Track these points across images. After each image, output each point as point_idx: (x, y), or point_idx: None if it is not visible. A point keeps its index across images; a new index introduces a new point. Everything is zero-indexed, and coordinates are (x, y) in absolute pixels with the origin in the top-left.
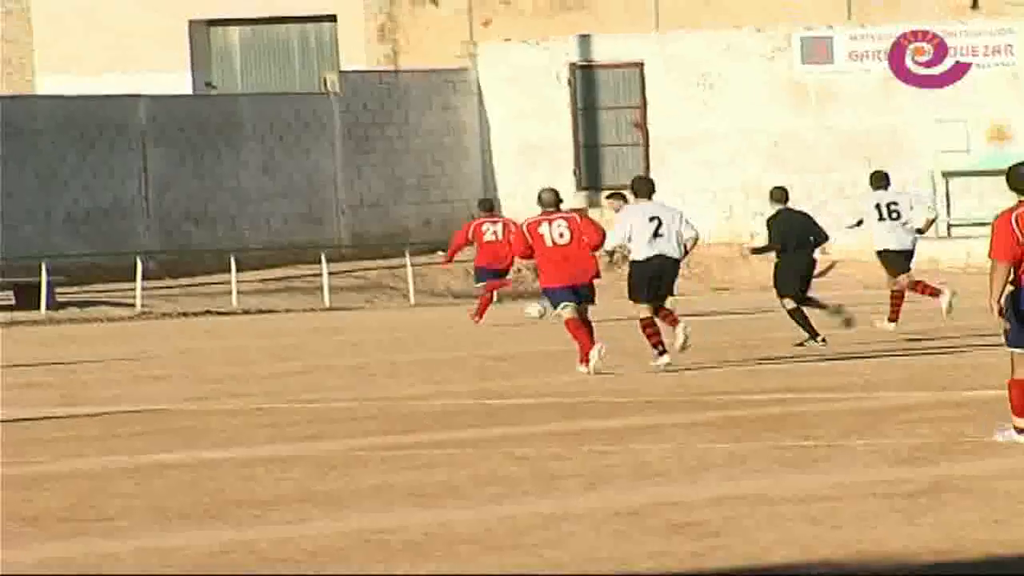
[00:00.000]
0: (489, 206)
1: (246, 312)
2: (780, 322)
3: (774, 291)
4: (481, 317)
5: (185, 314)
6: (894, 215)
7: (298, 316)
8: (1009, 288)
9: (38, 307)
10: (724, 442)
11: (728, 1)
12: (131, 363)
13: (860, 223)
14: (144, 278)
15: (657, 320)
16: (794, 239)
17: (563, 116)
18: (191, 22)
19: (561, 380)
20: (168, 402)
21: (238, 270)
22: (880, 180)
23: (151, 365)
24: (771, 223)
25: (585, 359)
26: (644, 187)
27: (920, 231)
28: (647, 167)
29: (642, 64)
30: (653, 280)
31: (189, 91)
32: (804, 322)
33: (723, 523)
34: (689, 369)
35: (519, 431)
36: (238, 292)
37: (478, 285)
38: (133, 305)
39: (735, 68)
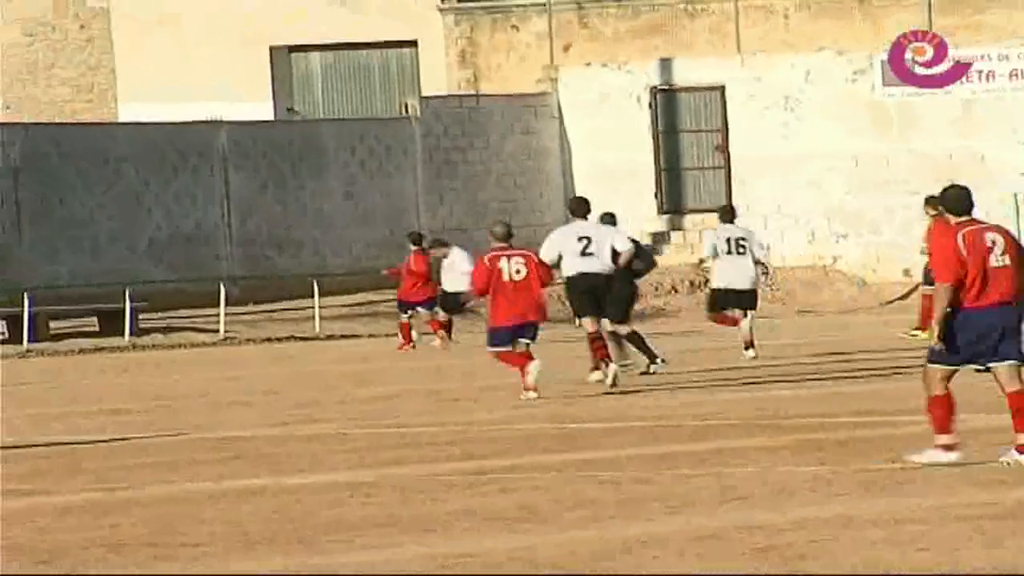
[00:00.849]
0: (419, 238)
1: (329, 337)
2: (862, 346)
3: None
4: (410, 341)
5: (268, 339)
6: (740, 250)
7: (381, 341)
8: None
9: (122, 333)
10: (808, 465)
11: (809, 24)
12: (215, 389)
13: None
14: (227, 304)
15: (591, 347)
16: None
17: (644, 140)
18: (272, 49)
19: (642, 403)
20: (252, 428)
21: (321, 295)
22: (729, 214)
23: (235, 391)
24: None
25: (524, 376)
26: (580, 207)
27: (760, 263)
28: (729, 190)
29: (723, 87)
30: (589, 295)
31: (271, 117)
32: (642, 346)
33: (807, 547)
34: (762, 385)
35: (601, 455)
36: (321, 317)
37: (406, 317)
38: (216, 331)
39: (816, 91)
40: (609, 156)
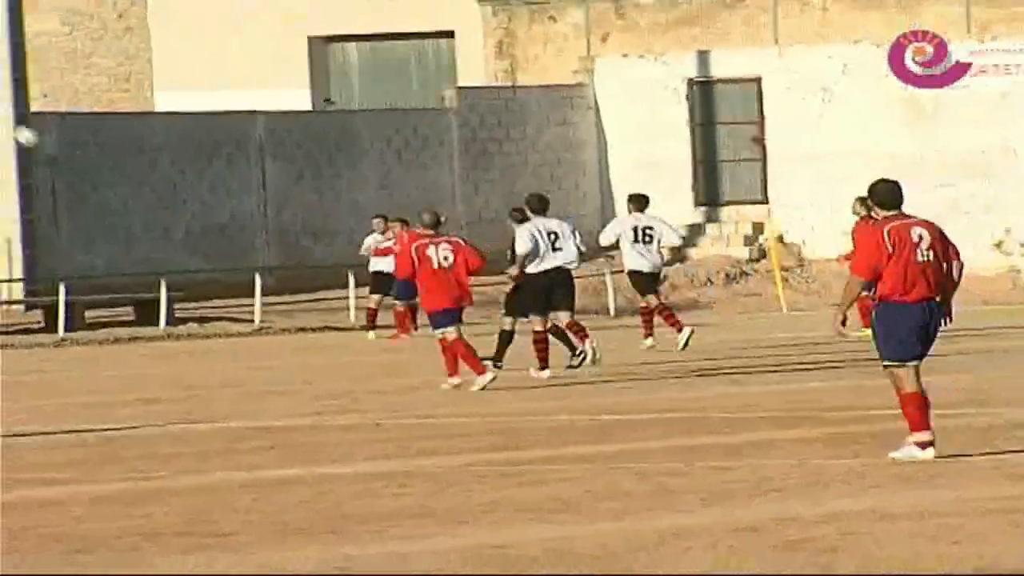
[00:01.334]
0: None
1: (364, 328)
2: None
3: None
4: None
5: (303, 329)
6: (647, 239)
7: (415, 332)
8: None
9: (157, 323)
10: (842, 458)
11: (846, 17)
12: (249, 378)
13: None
14: (262, 293)
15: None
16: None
17: (680, 131)
18: (310, 39)
19: (676, 395)
20: (286, 418)
21: (356, 285)
22: (639, 203)
23: (269, 380)
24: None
25: (456, 373)
26: (541, 204)
27: (676, 248)
28: (765, 182)
29: (760, 79)
30: (545, 293)
31: (308, 108)
32: (503, 347)
33: (841, 539)
34: (795, 377)
35: (636, 447)
36: (356, 308)
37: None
38: (251, 321)
39: (853, 83)
40: (645, 147)
